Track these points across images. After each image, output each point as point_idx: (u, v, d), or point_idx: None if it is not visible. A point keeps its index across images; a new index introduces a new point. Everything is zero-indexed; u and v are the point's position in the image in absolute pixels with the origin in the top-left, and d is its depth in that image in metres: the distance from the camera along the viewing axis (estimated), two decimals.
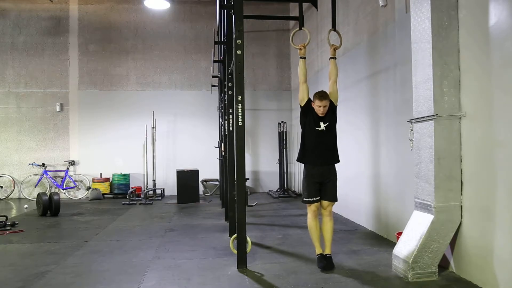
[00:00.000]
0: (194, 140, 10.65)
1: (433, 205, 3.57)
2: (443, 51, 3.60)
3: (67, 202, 9.24)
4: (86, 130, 10.41)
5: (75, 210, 8.09)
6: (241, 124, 4.02)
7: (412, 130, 3.94)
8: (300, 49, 4.28)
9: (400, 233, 4.07)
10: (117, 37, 10.59)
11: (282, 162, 10.24)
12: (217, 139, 9.76)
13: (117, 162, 10.36)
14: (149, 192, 9.76)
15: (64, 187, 10.01)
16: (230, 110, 5.38)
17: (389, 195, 5.21)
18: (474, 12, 3.44)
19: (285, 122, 10.44)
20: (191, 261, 4.28)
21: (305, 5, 8.05)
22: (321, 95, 3.96)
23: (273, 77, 11.11)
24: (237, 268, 3.95)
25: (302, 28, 4.98)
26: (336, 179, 4.11)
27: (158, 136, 10.37)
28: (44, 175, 9.97)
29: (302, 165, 4.17)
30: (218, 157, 9.28)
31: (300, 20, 5.26)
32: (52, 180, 10.05)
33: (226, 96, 6.06)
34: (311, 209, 4.06)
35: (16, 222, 6.39)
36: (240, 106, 4.01)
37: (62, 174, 10.09)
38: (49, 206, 7.31)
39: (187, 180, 9.03)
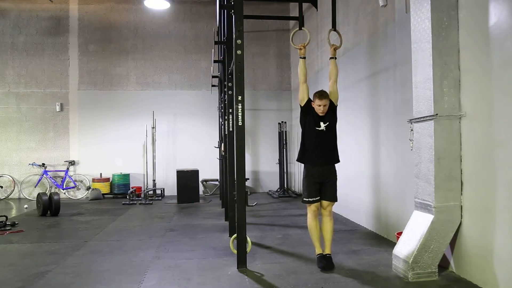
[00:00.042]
0: (194, 140, 10.66)
1: (433, 205, 3.57)
2: (443, 51, 3.60)
3: (67, 202, 9.24)
4: (86, 130, 10.41)
5: (75, 210, 8.09)
6: (241, 124, 4.02)
7: (412, 130, 3.94)
8: (300, 49, 4.28)
9: (400, 233, 4.07)
10: (117, 37, 10.59)
11: (282, 162, 10.24)
12: (217, 139, 9.76)
13: (117, 162, 10.37)
14: (149, 192, 9.76)
15: (64, 187, 10.01)
16: (230, 110, 5.38)
17: (389, 195, 5.21)
18: (474, 12, 3.44)
19: (285, 122, 10.44)
20: (191, 261, 4.28)
21: (305, 5, 8.05)
22: (321, 94, 3.96)
23: (273, 77, 11.11)
24: (237, 268, 3.95)
25: (302, 28, 4.98)
26: (336, 179, 4.11)
27: (158, 136, 10.37)
28: (44, 175, 9.97)
29: (302, 165, 4.17)
30: (218, 157, 9.28)
31: (300, 20, 5.26)
32: (52, 180, 10.05)
33: (226, 96, 6.06)
34: (311, 209, 4.06)
35: (16, 222, 6.39)
36: (240, 106, 4.01)
37: (62, 174, 10.09)
38: (49, 206, 7.31)
39: (187, 180, 9.03)
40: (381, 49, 5.37)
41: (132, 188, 9.84)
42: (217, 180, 10.17)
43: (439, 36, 3.59)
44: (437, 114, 3.56)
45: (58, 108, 10.30)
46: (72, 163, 10.23)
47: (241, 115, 4.02)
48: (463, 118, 3.57)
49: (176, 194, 9.15)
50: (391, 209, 5.11)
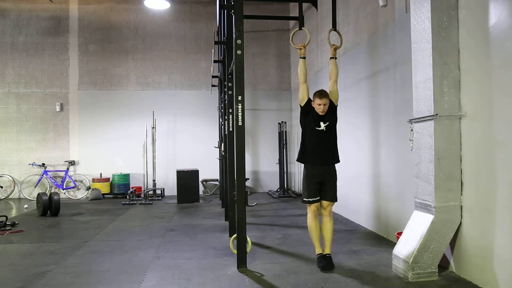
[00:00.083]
0: (194, 140, 10.66)
1: (433, 205, 3.57)
2: (443, 51, 3.60)
3: (67, 202, 9.24)
4: (86, 130, 10.41)
5: (75, 210, 8.09)
6: (241, 124, 4.02)
7: (412, 130, 3.94)
8: (300, 49, 4.28)
9: (400, 233, 4.07)
10: (117, 37, 10.59)
11: (282, 162, 10.24)
12: (217, 139, 9.76)
13: (117, 162, 10.37)
14: (149, 192, 9.76)
15: (64, 187, 10.01)
16: (230, 110, 5.38)
17: (389, 195, 5.21)
18: (474, 12, 3.44)
19: (285, 122, 10.44)
20: (191, 261, 4.28)
21: (305, 5, 8.05)
22: (321, 93, 3.97)
23: (273, 77, 11.12)
24: (237, 268, 3.95)
25: (302, 28, 4.98)
26: (336, 179, 4.11)
27: (158, 136, 10.37)
28: (44, 175, 9.97)
29: (302, 165, 4.17)
30: (218, 157, 9.28)
31: (300, 20, 5.26)
32: (52, 180, 10.05)
33: (226, 96, 6.06)
34: (311, 209, 4.06)
35: (16, 222, 6.39)
36: (240, 106, 4.01)
37: (62, 174, 10.09)
38: (49, 206, 7.31)
39: (187, 180, 9.03)
40: (381, 49, 5.37)
41: (132, 188, 9.84)
42: (217, 180, 10.17)
43: (439, 36, 3.59)
44: (437, 114, 3.56)
45: (58, 108, 10.30)
46: (72, 163, 10.23)
47: (241, 115, 4.02)
48: (463, 118, 3.57)
49: (176, 194, 9.15)
50: (391, 209, 5.11)
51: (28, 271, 3.98)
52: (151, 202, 9.00)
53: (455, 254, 3.71)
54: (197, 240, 5.27)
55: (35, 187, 10.00)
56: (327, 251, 4.06)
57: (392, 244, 4.44)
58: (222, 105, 8.10)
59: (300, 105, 4.15)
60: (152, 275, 3.82)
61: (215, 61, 7.83)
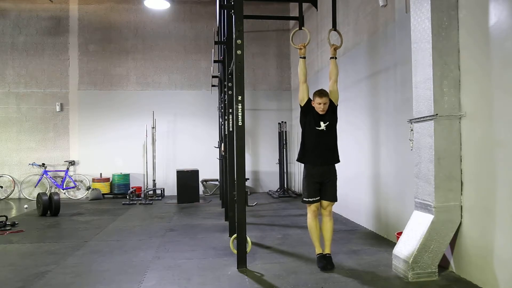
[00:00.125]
0: (194, 140, 10.66)
1: (433, 205, 3.57)
2: (443, 51, 3.60)
3: (67, 202, 9.24)
4: (86, 130, 10.41)
5: (75, 210, 8.09)
6: (241, 124, 4.02)
7: (412, 130, 3.94)
8: (300, 48, 4.28)
9: (400, 233, 4.07)
10: (117, 37, 10.59)
11: (282, 162, 10.24)
12: (217, 139, 9.76)
13: (117, 162, 10.36)
14: (149, 192, 9.76)
15: (64, 187, 10.01)
16: (230, 110, 5.38)
17: (389, 195, 5.21)
18: (474, 12, 3.44)
19: (285, 122, 10.44)
20: (191, 261, 4.28)
21: (305, 5, 8.05)
22: (321, 92, 3.97)
23: (273, 77, 11.12)
24: (237, 268, 3.95)
25: (302, 28, 4.98)
26: (336, 179, 4.11)
27: (158, 136, 10.37)
28: (44, 175, 9.97)
29: (302, 165, 4.17)
30: (218, 157, 9.28)
31: (300, 20, 5.26)
32: (52, 180, 10.05)
33: (226, 96, 6.06)
34: (311, 209, 4.06)
35: (16, 222, 6.39)
36: (240, 106, 4.01)
37: (62, 174, 10.09)
38: (49, 206, 7.31)
39: (187, 180, 9.03)
40: (381, 49, 5.37)
41: (132, 188, 9.84)
42: (217, 180, 10.17)
43: (439, 36, 3.59)
44: (437, 114, 3.56)
45: (58, 108, 10.30)
46: (72, 163, 10.23)
47: (241, 115, 4.02)
48: (463, 118, 3.57)
49: (176, 194, 9.15)
50: (391, 209, 5.11)
51: (28, 271, 3.98)
52: (151, 202, 9.00)
53: (455, 254, 3.71)
54: (197, 240, 5.27)
55: (35, 187, 10.00)
56: (327, 251, 4.06)
57: (392, 244, 4.44)
58: (222, 105, 8.10)
59: (300, 105, 4.15)
60: (152, 275, 3.82)
61: (215, 61, 7.83)
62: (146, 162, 10.19)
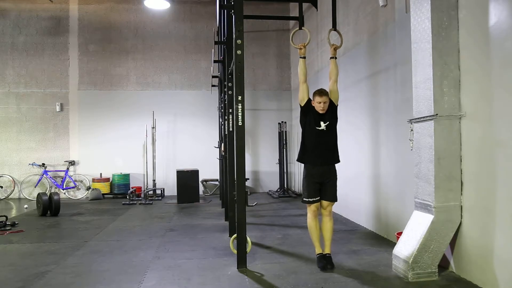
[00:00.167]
0: (194, 140, 10.66)
1: (433, 205, 3.57)
2: (443, 51, 3.60)
3: (67, 202, 9.24)
4: (86, 130, 10.41)
5: (75, 210, 8.09)
6: (241, 124, 4.02)
7: (412, 130, 3.94)
8: (300, 48, 4.28)
9: (400, 233, 4.07)
10: (117, 37, 10.59)
11: (282, 162, 10.24)
12: (217, 139, 9.76)
13: (117, 162, 10.36)
14: (149, 192, 9.76)
15: (64, 187, 10.01)
16: (230, 110, 5.38)
17: (389, 195, 5.21)
18: (474, 12, 3.44)
19: (285, 122, 10.44)
20: (191, 261, 4.28)
21: (305, 5, 8.05)
22: (321, 91, 3.97)
23: (273, 77, 11.12)
24: (237, 268, 3.95)
25: (302, 27, 4.98)
26: (336, 179, 4.11)
27: (158, 136, 10.37)
28: (44, 175, 9.97)
29: (302, 165, 4.17)
30: (218, 157, 9.28)
31: (300, 20, 5.26)
32: (52, 180, 10.05)
33: (226, 96, 6.06)
34: (311, 209, 4.06)
35: (16, 222, 6.39)
36: (240, 106, 4.01)
37: (62, 174, 10.09)
38: (49, 206, 7.31)
39: (187, 180, 9.03)
40: (381, 49, 5.37)
41: (132, 188, 9.84)
42: (217, 180, 10.17)
43: (439, 36, 3.59)
44: (437, 114, 3.56)
45: (58, 108, 10.30)
46: (72, 163, 10.23)
47: (241, 115, 4.02)
48: (463, 118, 3.57)
49: (176, 194, 9.15)
50: (391, 209, 5.11)
51: (28, 271, 3.98)
52: (151, 202, 9.00)
53: (455, 254, 3.71)
54: (197, 240, 5.27)
55: (35, 187, 10.00)
56: (327, 251, 4.06)
57: (392, 244, 4.44)
58: (222, 105, 8.10)
59: (300, 105, 4.15)
60: (152, 275, 3.82)
61: (215, 61, 7.83)
62: (146, 162, 10.19)
